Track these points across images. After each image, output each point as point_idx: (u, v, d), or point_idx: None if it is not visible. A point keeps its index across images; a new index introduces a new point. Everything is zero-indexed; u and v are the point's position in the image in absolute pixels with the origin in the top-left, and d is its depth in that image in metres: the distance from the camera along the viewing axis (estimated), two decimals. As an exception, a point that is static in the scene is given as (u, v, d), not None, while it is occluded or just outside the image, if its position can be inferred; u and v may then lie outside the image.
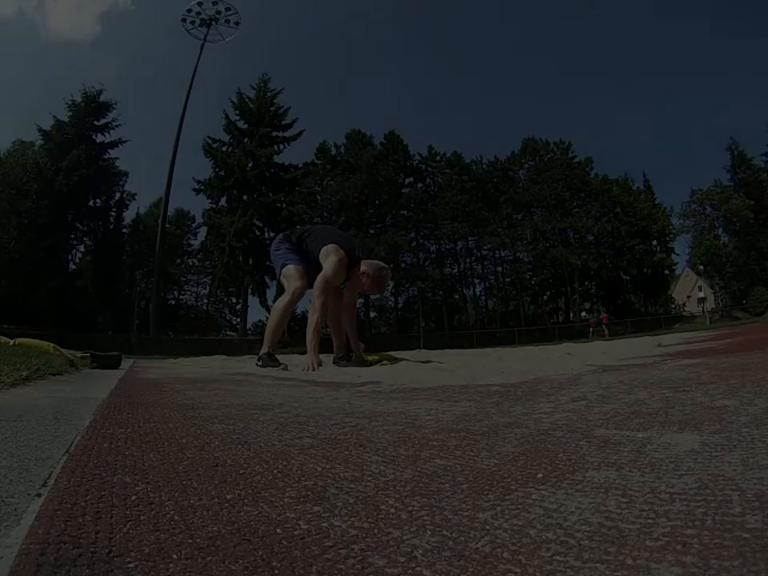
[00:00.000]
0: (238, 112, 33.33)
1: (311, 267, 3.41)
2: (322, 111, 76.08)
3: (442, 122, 76.00)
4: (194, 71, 29.85)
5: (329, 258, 3.23)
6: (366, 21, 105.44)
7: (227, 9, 30.26)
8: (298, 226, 3.86)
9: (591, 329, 25.91)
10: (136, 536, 0.39)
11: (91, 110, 29.96)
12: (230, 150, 32.67)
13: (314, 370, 2.84)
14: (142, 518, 0.44)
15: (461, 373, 2.16)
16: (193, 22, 30.44)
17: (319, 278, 3.20)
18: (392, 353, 4.94)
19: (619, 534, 0.36)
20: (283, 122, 33.79)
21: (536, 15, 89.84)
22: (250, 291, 31.69)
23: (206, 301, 40.82)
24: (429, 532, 0.39)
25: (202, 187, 32.33)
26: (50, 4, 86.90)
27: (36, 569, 0.34)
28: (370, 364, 3.24)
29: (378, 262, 3.46)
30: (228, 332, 39.39)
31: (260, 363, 3.31)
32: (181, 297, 41.64)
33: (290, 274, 3.40)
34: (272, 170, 32.65)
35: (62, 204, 27.63)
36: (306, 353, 3.23)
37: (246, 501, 0.49)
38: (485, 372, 2.12)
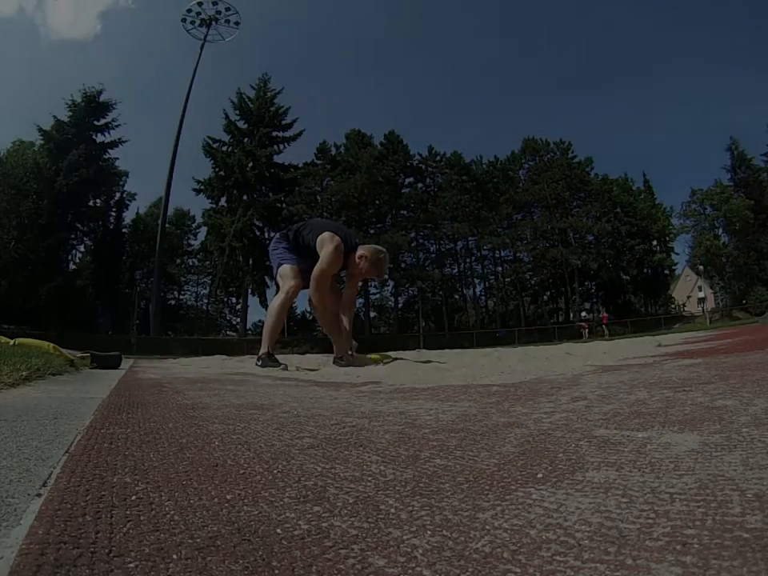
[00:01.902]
0: (237, 112, 33.32)
1: (308, 264, 3.44)
2: (322, 111, 76.13)
3: (442, 122, 76.05)
4: (194, 71, 29.87)
5: (325, 246, 3.28)
6: (366, 20, 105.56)
7: (227, 9, 30.27)
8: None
9: (584, 330, 25.31)
10: (136, 536, 0.39)
11: (91, 110, 29.90)
12: (230, 150, 32.64)
13: (347, 353, 3.30)
14: (142, 518, 0.44)
15: (461, 373, 2.16)
16: (193, 22, 30.45)
17: (315, 270, 3.24)
18: (392, 353, 4.94)
19: (619, 533, 0.36)
20: (283, 122, 33.78)
21: (536, 15, 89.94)
22: (250, 291, 31.68)
23: (205, 301, 40.81)
24: (429, 532, 0.39)
25: (202, 187, 32.31)
26: (50, 2, 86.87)
27: (36, 569, 0.34)
28: (369, 362, 3.25)
29: (375, 245, 3.53)
30: (228, 332, 39.40)
31: (260, 363, 3.31)
32: (181, 297, 41.62)
33: (285, 273, 3.46)
34: (272, 170, 32.62)
35: (62, 204, 27.59)
36: (305, 353, 3.25)
37: (245, 501, 0.49)
38: (485, 372, 2.13)
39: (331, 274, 3.34)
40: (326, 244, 3.26)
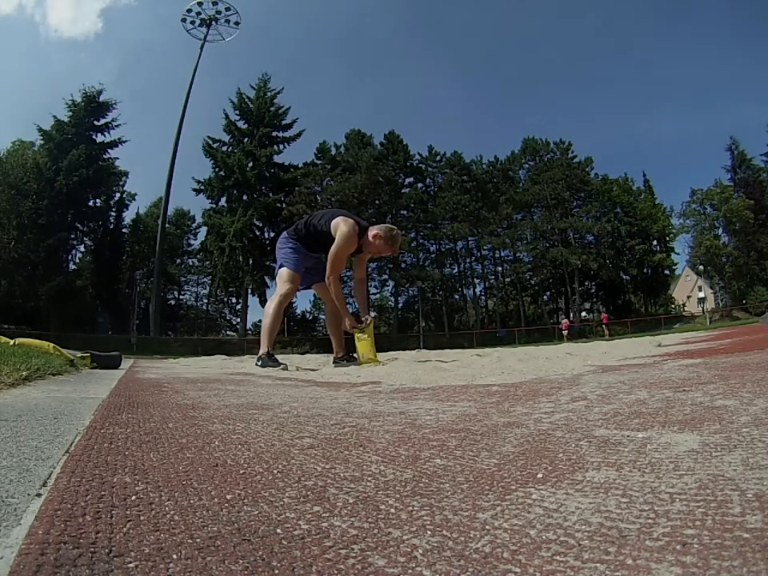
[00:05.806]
0: (237, 112, 33.33)
1: (313, 262, 3.62)
2: (322, 111, 76.14)
3: (442, 122, 76.10)
4: (194, 71, 29.92)
5: (340, 228, 3.41)
6: (366, 21, 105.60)
7: (227, 9, 30.29)
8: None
9: (564, 331, 23.93)
10: (136, 536, 0.39)
11: (91, 109, 29.88)
12: (230, 150, 32.64)
13: (353, 328, 3.49)
14: (141, 518, 0.44)
15: (461, 373, 2.16)
16: (193, 22, 30.48)
17: (332, 250, 3.38)
18: (392, 353, 4.94)
19: (619, 533, 0.36)
20: (283, 122, 33.79)
21: (536, 15, 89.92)
22: (249, 291, 31.69)
23: (205, 301, 40.87)
24: (429, 532, 0.39)
25: (202, 187, 32.31)
26: (49, 0, 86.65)
27: (36, 569, 0.34)
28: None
29: (386, 224, 3.66)
30: (228, 332, 39.42)
31: (259, 363, 3.32)
32: (181, 297, 41.66)
33: (282, 276, 3.60)
34: (272, 170, 32.64)
35: (62, 204, 27.58)
36: (305, 353, 3.28)
37: (245, 501, 0.49)
38: (485, 372, 2.12)
39: (347, 254, 3.48)
40: (341, 226, 3.41)
